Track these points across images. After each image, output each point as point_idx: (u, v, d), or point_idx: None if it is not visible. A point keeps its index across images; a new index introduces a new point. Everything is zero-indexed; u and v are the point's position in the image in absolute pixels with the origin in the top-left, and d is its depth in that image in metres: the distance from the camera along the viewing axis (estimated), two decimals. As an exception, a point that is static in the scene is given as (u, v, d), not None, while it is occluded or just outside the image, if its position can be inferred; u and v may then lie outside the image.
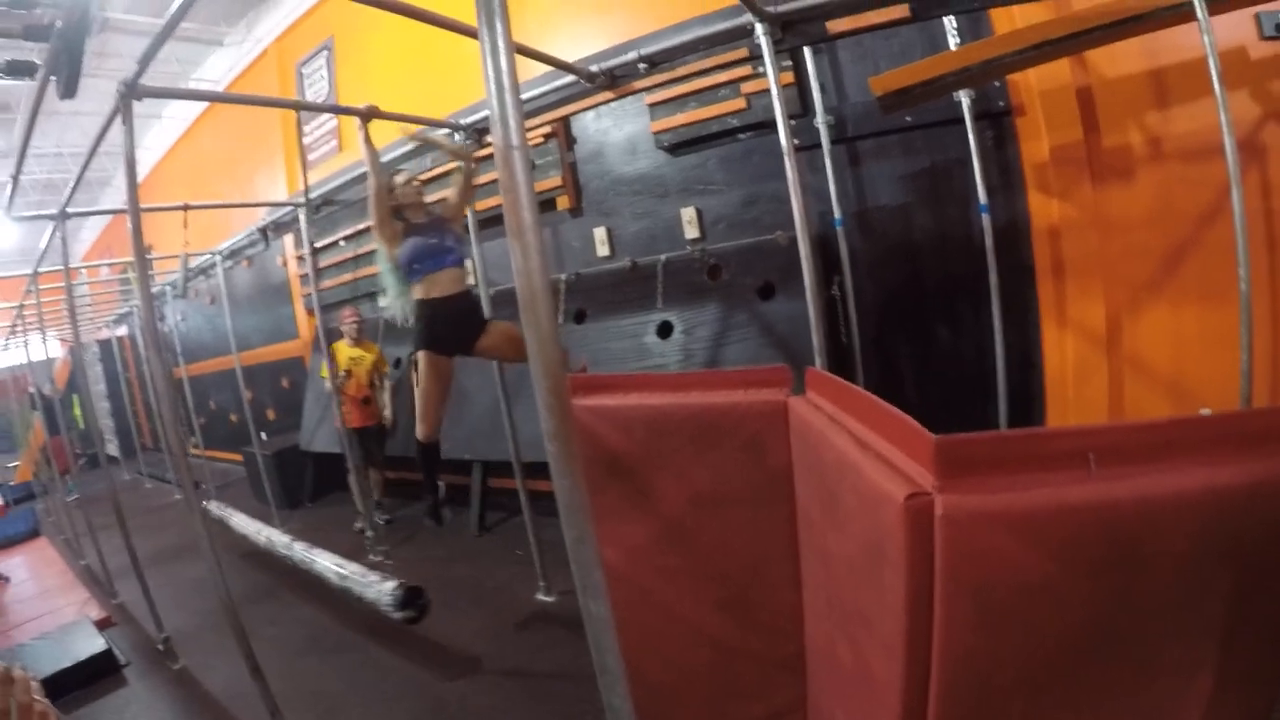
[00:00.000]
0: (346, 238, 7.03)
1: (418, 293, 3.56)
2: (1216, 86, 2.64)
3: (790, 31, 3.17)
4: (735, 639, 2.32)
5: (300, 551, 4.54)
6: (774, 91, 3.04)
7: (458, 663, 3.64)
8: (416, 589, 3.64)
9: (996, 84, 3.68)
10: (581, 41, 4.84)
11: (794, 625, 2.19)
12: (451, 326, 3.57)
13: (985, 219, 3.66)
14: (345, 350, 6.02)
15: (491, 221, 4.86)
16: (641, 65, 3.62)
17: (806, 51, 3.90)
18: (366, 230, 6.70)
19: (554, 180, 5.09)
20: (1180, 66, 3.40)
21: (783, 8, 3.10)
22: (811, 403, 1.92)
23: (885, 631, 1.36)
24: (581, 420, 2.37)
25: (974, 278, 3.74)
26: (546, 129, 4.96)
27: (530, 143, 5.01)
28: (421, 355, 3.50)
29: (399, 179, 3.67)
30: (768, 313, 4.05)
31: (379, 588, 3.70)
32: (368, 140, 3.60)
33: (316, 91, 7.81)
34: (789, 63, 3.91)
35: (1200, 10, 2.59)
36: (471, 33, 2.99)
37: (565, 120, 4.85)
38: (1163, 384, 3.61)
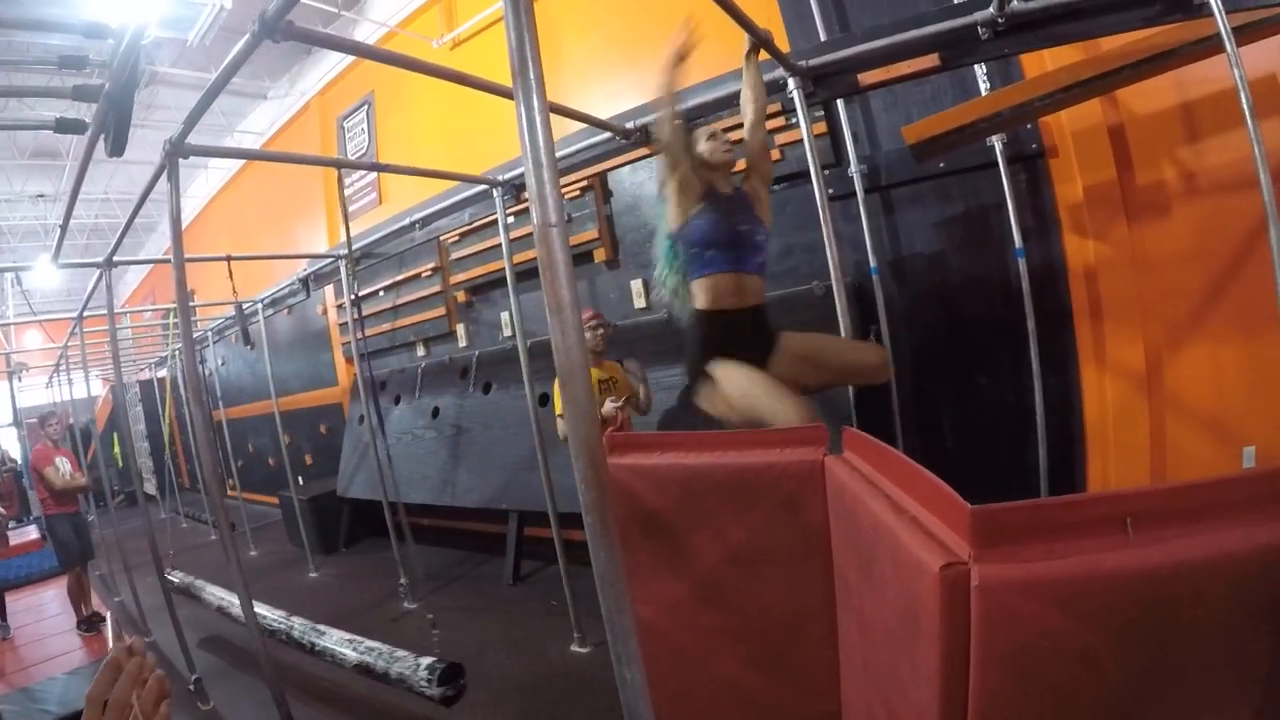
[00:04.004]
0: (385, 288, 7.15)
1: (704, 297, 2.76)
2: (1249, 119, 2.61)
3: (822, 85, 3.24)
4: (770, 696, 2.31)
5: (299, 627, 3.84)
6: (807, 144, 3.13)
7: (491, 716, 3.61)
8: (456, 666, 3.17)
9: (1028, 127, 3.69)
10: (618, 97, 4.93)
11: (830, 684, 2.18)
12: (749, 347, 2.75)
13: (1021, 263, 3.65)
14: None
15: (530, 274, 4.93)
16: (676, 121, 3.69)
17: (839, 101, 3.93)
18: (405, 281, 6.87)
19: (591, 233, 5.16)
20: (1211, 99, 3.39)
21: (814, 61, 3.17)
22: (848, 463, 1.92)
23: (919, 699, 1.35)
24: (618, 479, 2.39)
25: (1011, 322, 3.71)
26: (583, 183, 5.03)
27: (567, 196, 5.12)
28: (717, 364, 2.70)
29: (701, 132, 2.89)
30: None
31: (410, 663, 3.22)
32: (673, 70, 2.73)
33: (357, 145, 8.02)
34: (821, 113, 3.95)
35: (1229, 43, 2.59)
36: (508, 93, 3.08)
37: (602, 174, 4.91)
38: (1205, 423, 3.56)
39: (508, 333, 5.80)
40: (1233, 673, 1.18)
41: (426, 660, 3.18)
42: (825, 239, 3.07)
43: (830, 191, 3.88)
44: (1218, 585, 1.13)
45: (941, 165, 3.83)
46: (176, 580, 5.33)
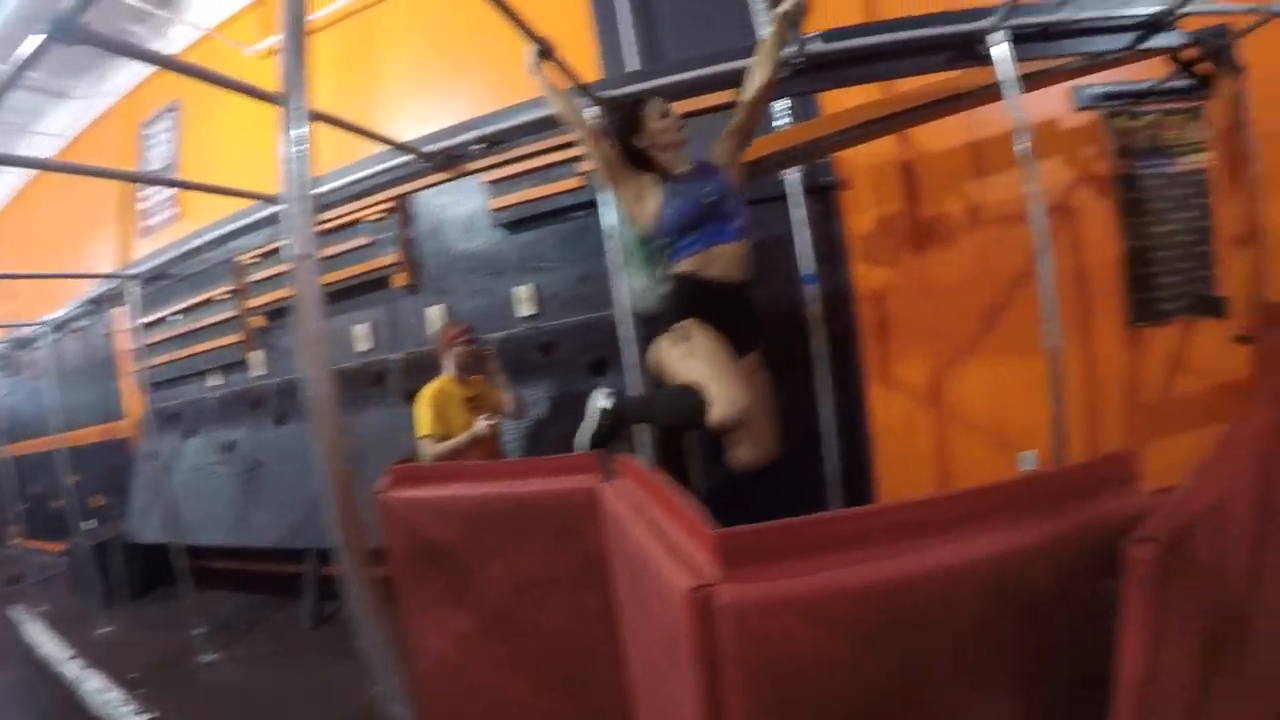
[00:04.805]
0: (180, 312, 6.66)
1: (686, 266, 2.60)
2: (1026, 161, 2.88)
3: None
4: None
5: (74, 670, 4.01)
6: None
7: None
8: None
9: (823, 161, 3.87)
10: (430, 119, 4.79)
11: (621, 705, 2.19)
12: (736, 315, 2.62)
13: (812, 289, 3.81)
14: (456, 391, 3.88)
15: (334, 297, 4.81)
16: (478, 146, 3.64)
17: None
18: (201, 304, 6.42)
19: (391, 257, 5.02)
20: (998, 139, 3.70)
21: (616, 92, 3.20)
22: (620, 489, 1.94)
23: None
24: (402, 513, 2.39)
25: (802, 345, 3.89)
26: (387, 205, 4.88)
27: (369, 218, 5.00)
28: (700, 326, 2.52)
29: (651, 110, 2.71)
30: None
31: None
32: (549, 84, 2.69)
33: (159, 155, 7.47)
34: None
35: (1012, 90, 2.86)
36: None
37: (404, 196, 4.78)
38: (986, 432, 3.86)
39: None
40: (987, 671, 1.26)
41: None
42: (611, 269, 3.19)
43: (627, 220, 3.97)
44: (962, 589, 1.21)
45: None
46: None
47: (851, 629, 1.19)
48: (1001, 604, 1.23)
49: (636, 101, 2.73)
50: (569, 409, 4.24)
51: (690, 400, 2.44)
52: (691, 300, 2.57)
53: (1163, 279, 4.36)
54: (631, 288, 2.92)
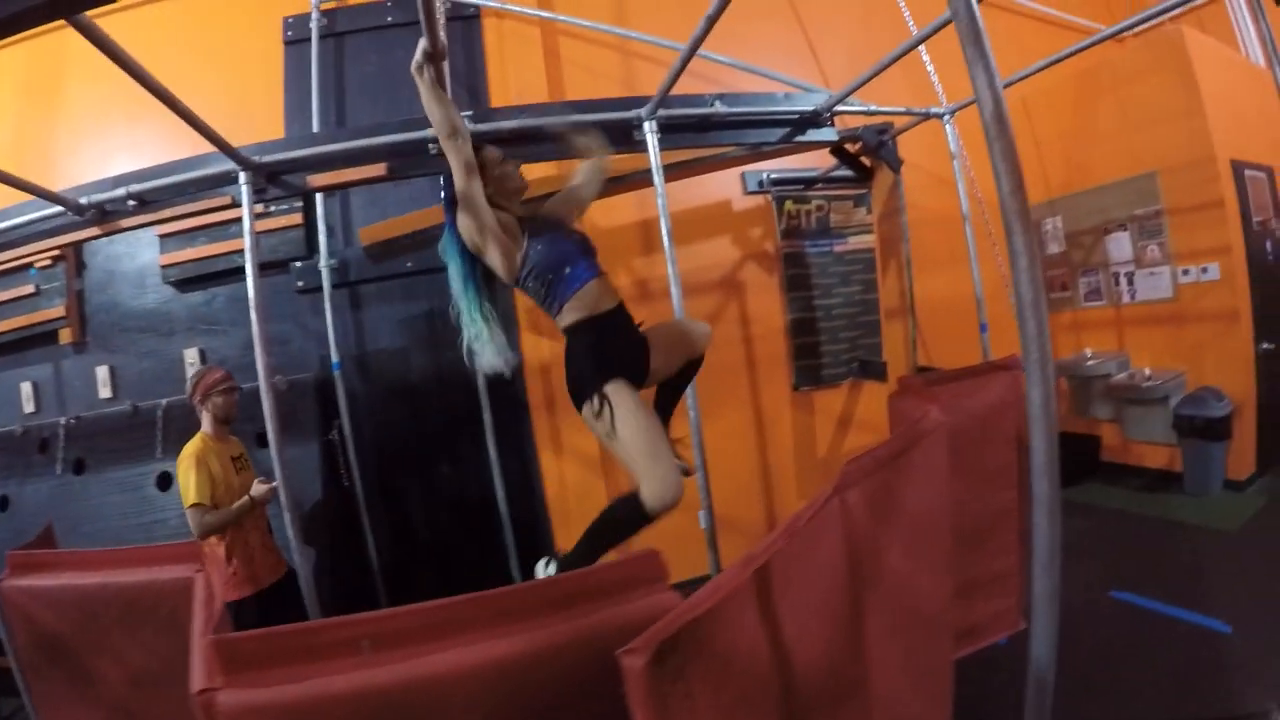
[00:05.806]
0: None
1: (578, 311, 2.50)
2: (666, 243, 3.17)
3: (277, 183, 3.24)
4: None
5: None
6: (247, 243, 3.05)
7: None
8: None
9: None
10: (113, 161, 4.50)
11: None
12: (635, 348, 2.57)
13: (479, 359, 3.94)
14: (219, 449, 3.43)
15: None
16: (131, 202, 3.49)
17: (320, 195, 3.97)
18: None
19: (58, 310, 4.57)
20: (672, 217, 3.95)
21: (266, 159, 3.17)
22: (206, 581, 1.96)
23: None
24: (18, 603, 2.29)
25: (471, 415, 3.97)
26: (54, 252, 4.53)
27: (37, 265, 4.60)
28: (617, 388, 2.39)
29: (492, 153, 2.57)
30: (264, 460, 3.96)
31: None
32: (435, 85, 2.36)
33: None
34: (300, 204, 3.96)
35: (658, 175, 3.15)
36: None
37: (78, 244, 4.44)
38: None
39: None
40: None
41: None
42: (255, 341, 2.99)
43: (301, 284, 3.94)
44: (460, 695, 1.28)
45: (409, 265, 4.02)
46: None
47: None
48: (507, 709, 1.30)
49: (475, 147, 2.53)
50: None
51: (621, 515, 2.35)
52: (598, 350, 2.47)
53: (827, 347, 4.85)
54: (470, 347, 2.62)
